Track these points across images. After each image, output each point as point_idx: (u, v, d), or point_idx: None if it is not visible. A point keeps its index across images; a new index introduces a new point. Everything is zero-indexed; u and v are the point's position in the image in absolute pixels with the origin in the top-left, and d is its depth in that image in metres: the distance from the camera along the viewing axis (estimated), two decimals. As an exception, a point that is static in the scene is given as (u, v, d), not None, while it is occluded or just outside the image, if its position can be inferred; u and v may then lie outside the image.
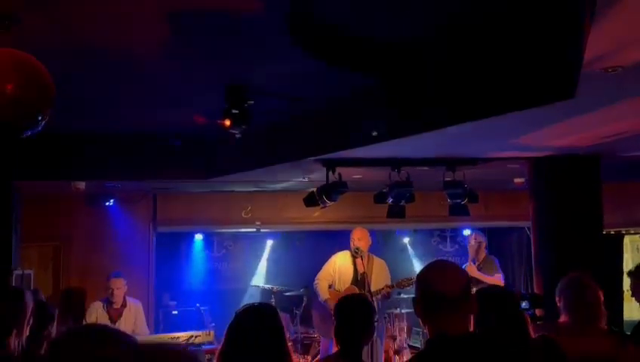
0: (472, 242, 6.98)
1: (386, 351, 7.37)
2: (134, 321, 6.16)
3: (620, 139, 4.79)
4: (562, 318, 3.56)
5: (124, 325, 6.04)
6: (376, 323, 3.26)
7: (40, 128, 2.86)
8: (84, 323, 5.53)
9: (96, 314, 6.01)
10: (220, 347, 2.58)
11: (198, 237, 9.10)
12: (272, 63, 3.82)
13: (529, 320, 2.90)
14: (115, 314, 6.03)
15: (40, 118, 2.71)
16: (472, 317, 2.17)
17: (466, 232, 9.48)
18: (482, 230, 7.49)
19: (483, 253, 6.92)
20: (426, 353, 2.10)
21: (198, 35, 3.33)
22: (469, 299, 2.09)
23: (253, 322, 2.55)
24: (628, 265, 8.19)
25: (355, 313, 3.06)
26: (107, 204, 7.62)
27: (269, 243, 9.24)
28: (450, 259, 9.71)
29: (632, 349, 3.40)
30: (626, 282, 7.28)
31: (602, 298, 3.56)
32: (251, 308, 2.66)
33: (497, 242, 9.25)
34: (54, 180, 6.31)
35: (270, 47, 3.51)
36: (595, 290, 3.55)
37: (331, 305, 6.23)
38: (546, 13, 2.99)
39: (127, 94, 4.55)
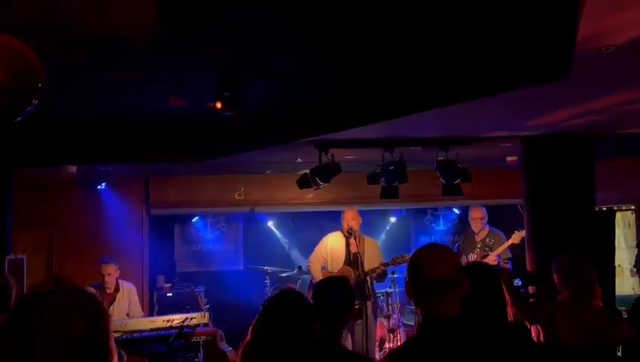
0: (478, 215, 6.95)
1: (380, 330, 7.44)
2: (128, 304, 6.18)
3: (612, 118, 4.80)
4: (561, 296, 3.59)
5: (118, 309, 6.06)
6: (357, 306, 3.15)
7: (30, 114, 2.82)
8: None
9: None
10: (246, 341, 2.56)
11: (192, 219, 9.10)
12: (263, 44, 3.78)
13: (509, 301, 2.89)
14: (108, 299, 6.03)
15: (30, 104, 2.67)
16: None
17: (456, 211, 9.54)
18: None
19: (486, 229, 6.92)
20: (419, 337, 2.11)
21: (189, 15, 3.29)
22: (460, 281, 2.10)
23: (281, 317, 2.52)
24: (620, 240, 8.28)
25: (332, 295, 2.97)
26: (99, 187, 7.58)
27: (268, 224, 9.26)
28: (443, 236, 9.79)
29: (626, 326, 3.44)
30: (618, 258, 7.36)
31: (595, 276, 3.59)
32: (278, 302, 2.62)
33: (490, 219, 9.29)
34: (46, 166, 6.26)
35: (262, 28, 3.47)
36: (588, 268, 3.59)
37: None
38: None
39: (118, 77, 4.50)
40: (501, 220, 8.91)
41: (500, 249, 6.67)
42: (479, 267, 3.02)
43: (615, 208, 7.85)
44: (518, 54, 3.31)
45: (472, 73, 3.62)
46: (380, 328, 7.40)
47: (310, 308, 2.59)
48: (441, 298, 2.05)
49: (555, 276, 3.61)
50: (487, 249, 6.67)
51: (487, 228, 6.94)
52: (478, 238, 6.91)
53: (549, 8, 2.98)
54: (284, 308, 2.55)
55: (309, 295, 6.39)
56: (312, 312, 2.57)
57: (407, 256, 6.48)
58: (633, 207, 8.34)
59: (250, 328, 2.55)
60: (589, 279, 3.54)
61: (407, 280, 2.17)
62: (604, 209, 7.27)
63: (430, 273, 2.07)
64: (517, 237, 6.54)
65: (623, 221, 8.51)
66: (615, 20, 2.75)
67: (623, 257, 8.37)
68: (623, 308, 6.62)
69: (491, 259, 6.58)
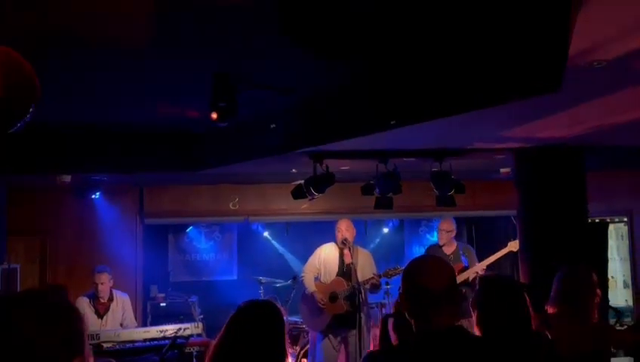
0: (447, 227, 6.74)
1: (374, 340, 7.43)
2: (122, 314, 6.16)
3: (604, 130, 4.84)
4: (550, 308, 3.59)
5: (112, 319, 6.04)
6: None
7: (24, 124, 2.82)
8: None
9: (82, 309, 5.99)
10: (217, 337, 2.59)
11: (187, 229, 9.08)
12: (259, 54, 3.80)
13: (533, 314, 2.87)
14: (102, 309, 6.02)
15: (26, 115, 2.67)
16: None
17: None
18: (466, 218, 7.36)
19: (454, 243, 6.76)
20: (412, 346, 2.11)
21: (186, 25, 3.31)
22: (455, 293, 2.11)
23: (253, 320, 2.55)
24: (612, 252, 8.32)
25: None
26: (93, 196, 7.57)
27: (263, 234, 9.26)
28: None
29: (628, 334, 3.45)
30: (611, 269, 7.38)
31: (598, 290, 3.58)
32: (253, 305, 2.66)
33: (483, 231, 9.34)
34: (40, 174, 6.26)
35: (258, 37, 3.49)
36: (588, 281, 3.58)
37: (317, 297, 6.26)
38: (532, 4, 3.00)
39: (112, 86, 4.51)
40: (494, 231, 8.97)
41: (494, 257, 6.57)
42: (506, 280, 3.02)
43: (608, 220, 7.89)
44: (510, 67, 3.34)
45: (464, 86, 3.65)
46: (374, 339, 7.38)
47: (282, 318, 2.62)
48: (435, 309, 2.05)
49: (556, 286, 3.60)
50: (464, 260, 6.56)
51: (454, 243, 6.76)
52: (447, 251, 6.68)
53: (541, 23, 3.01)
54: (256, 312, 2.58)
55: (301, 305, 6.44)
56: (283, 322, 2.61)
57: (400, 268, 6.49)
58: (626, 219, 8.38)
59: (223, 327, 2.57)
60: (584, 293, 3.53)
61: (401, 290, 2.17)
62: (597, 220, 7.30)
63: (426, 283, 2.07)
64: (515, 244, 6.35)
65: (615, 232, 8.55)
66: (606, 36, 2.79)
67: (615, 269, 8.41)
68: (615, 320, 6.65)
69: (481, 268, 6.48)
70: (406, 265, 2.24)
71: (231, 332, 2.53)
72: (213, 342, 2.59)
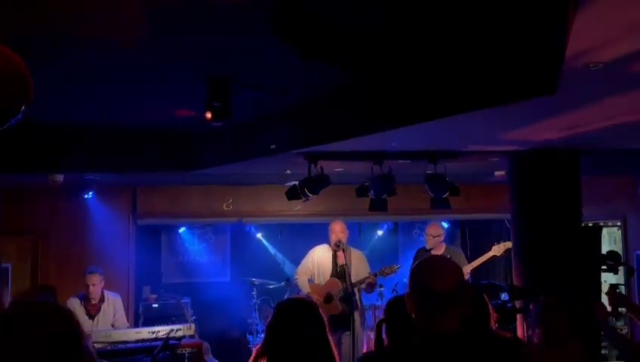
0: (433, 232, 6.76)
1: (368, 343, 7.41)
2: (113, 315, 6.13)
3: (600, 134, 4.84)
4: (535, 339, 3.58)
5: (103, 319, 6.01)
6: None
7: (16, 121, 2.79)
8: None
9: (73, 310, 5.95)
10: (261, 343, 2.56)
11: (179, 229, 9.04)
12: (254, 55, 3.78)
13: (494, 314, 2.88)
14: (93, 310, 5.99)
15: (18, 113, 2.64)
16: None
17: (444, 224, 9.50)
18: (460, 221, 7.28)
19: (443, 246, 6.77)
20: (418, 350, 2.07)
21: (180, 25, 3.29)
22: (464, 296, 2.05)
23: (299, 316, 2.53)
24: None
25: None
26: (86, 196, 7.53)
27: (257, 236, 9.23)
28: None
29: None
30: (603, 274, 7.37)
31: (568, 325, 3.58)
32: (293, 303, 2.64)
33: (477, 234, 9.34)
34: (32, 173, 6.21)
35: (252, 38, 3.48)
36: (564, 319, 3.58)
37: (314, 298, 6.25)
38: (528, 5, 2.99)
39: (106, 86, 4.48)
40: (488, 234, 8.96)
41: (477, 262, 6.57)
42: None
43: (601, 224, 7.89)
44: (507, 70, 3.33)
45: (459, 87, 3.65)
46: (368, 340, 7.37)
47: (319, 311, 2.59)
48: (442, 311, 2.00)
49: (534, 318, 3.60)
50: None
51: (443, 246, 6.77)
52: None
53: (537, 24, 3.00)
54: (302, 312, 2.56)
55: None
56: (321, 315, 2.58)
57: (396, 267, 6.50)
58: (619, 223, 8.38)
59: (266, 329, 2.55)
60: (565, 333, 3.53)
61: (408, 292, 2.11)
62: (591, 224, 7.30)
63: (433, 285, 2.01)
64: (498, 249, 6.44)
65: (608, 237, 8.55)
66: (603, 38, 2.78)
67: (608, 273, 8.40)
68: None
69: (465, 272, 6.45)
70: (413, 265, 2.18)
71: (274, 335, 2.50)
72: (257, 347, 2.57)
